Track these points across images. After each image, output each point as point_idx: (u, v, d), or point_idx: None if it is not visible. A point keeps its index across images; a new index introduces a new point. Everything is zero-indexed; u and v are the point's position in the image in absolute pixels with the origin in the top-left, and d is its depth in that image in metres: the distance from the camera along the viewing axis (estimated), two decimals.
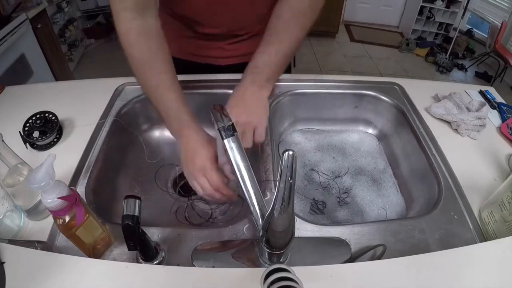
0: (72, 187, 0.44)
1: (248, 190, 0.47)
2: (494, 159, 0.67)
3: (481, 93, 0.87)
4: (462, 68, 3.33)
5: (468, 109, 0.77)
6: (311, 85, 0.85)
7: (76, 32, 2.91)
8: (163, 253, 0.48)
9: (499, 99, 0.86)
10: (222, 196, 0.57)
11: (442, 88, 0.85)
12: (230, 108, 0.62)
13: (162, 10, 0.83)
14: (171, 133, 0.63)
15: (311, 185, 0.76)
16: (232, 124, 0.49)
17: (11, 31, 1.71)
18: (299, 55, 3.15)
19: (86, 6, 3.07)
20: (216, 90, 0.82)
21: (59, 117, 0.68)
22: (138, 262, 0.47)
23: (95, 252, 0.48)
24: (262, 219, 0.45)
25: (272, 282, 0.36)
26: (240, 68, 0.86)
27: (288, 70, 0.89)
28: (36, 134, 0.65)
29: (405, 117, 0.79)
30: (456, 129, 0.73)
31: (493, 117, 0.78)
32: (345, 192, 0.75)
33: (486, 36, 3.19)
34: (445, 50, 3.51)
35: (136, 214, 0.39)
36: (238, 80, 0.83)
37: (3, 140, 0.46)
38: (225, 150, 0.49)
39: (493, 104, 0.82)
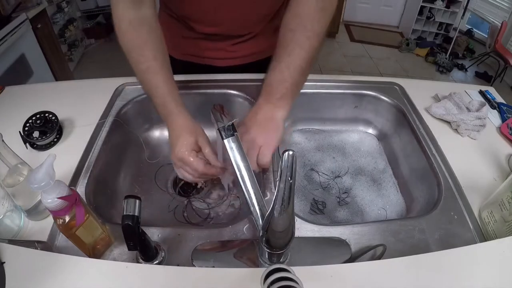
0: (72, 187, 0.44)
1: (248, 190, 0.47)
2: (494, 159, 0.67)
3: (481, 93, 0.87)
4: (462, 68, 3.33)
5: (468, 109, 0.77)
6: (311, 85, 0.85)
7: (76, 32, 2.90)
8: (163, 253, 0.48)
9: (499, 99, 0.86)
10: (207, 177, 0.57)
11: (442, 88, 0.85)
12: (239, 126, 0.57)
13: (162, 11, 0.83)
14: (162, 119, 0.62)
15: (311, 185, 0.76)
16: (232, 124, 0.49)
17: (11, 31, 1.71)
18: None
19: (86, 6, 3.07)
20: (216, 90, 0.82)
21: (59, 117, 0.68)
22: (138, 262, 0.47)
23: (95, 252, 0.48)
24: (262, 219, 0.45)
25: (272, 282, 0.36)
26: (241, 69, 0.86)
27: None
28: (36, 134, 0.65)
29: (405, 117, 0.79)
30: (456, 129, 0.73)
31: (493, 117, 0.78)
32: (345, 192, 0.75)
33: (486, 36, 3.19)
34: (445, 50, 3.51)
35: (136, 214, 0.39)
36: (237, 80, 0.84)
37: (3, 140, 0.46)
38: (225, 150, 0.49)
39: (493, 104, 0.82)
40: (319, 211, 0.71)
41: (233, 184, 0.69)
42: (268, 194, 0.60)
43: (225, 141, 0.48)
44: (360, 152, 0.84)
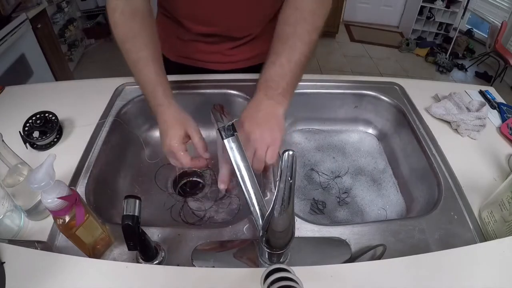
0: (72, 187, 0.44)
1: (248, 190, 0.47)
2: (494, 159, 0.67)
3: (481, 93, 0.87)
4: (462, 68, 3.33)
5: (468, 109, 0.77)
6: (311, 85, 0.85)
7: (76, 32, 2.90)
8: (163, 253, 0.48)
9: (499, 99, 0.86)
10: (199, 167, 0.57)
11: (442, 88, 0.85)
12: (242, 121, 0.56)
13: (158, 12, 0.83)
14: (151, 111, 0.61)
15: (311, 185, 0.76)
16: (232, 124, 0.49)
17: (11, 31, 1.71)
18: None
19: (86, 6, 3.07)
20: (216, 90, 0.82)
21: (59, 117, 0.68)
22: (138, 262, 0.47)
23: (95, 252, 0.48)
24: (262, 219, 0.45)
25: (272, 282, 0.36)
26: (239, 72, 0.85)
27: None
28: (36, 134, 0.65)
29: (405, 117, 0.79)
30: (456, 129, 0.73)
31: (493, 117, 0.78)
32: (345, 192, 0.75)
33: (486, 36, 3.19)
34: (445, 50, 3.51)
35: (136, 214, 0.39)
36: (237, 80, 0.84)
37: (3, 140, 0.46)
38: (225, 150, 0.49)
39: (493, 104, 0.82)
40: (319, 211, 0.71)
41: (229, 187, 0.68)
42: (268, 194, 0.60)
43: (225, 141, 0.48)
44: (360, 152, 0.84)
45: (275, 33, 0.60)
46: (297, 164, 0.46)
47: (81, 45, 3.04)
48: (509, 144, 0.72)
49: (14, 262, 0.40)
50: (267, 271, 0.37)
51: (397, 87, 0.86)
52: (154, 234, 0.51)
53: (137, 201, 0.39)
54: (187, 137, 0.56)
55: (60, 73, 2.27)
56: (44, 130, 0.65)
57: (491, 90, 0.88)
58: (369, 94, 0.85)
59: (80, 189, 0.58)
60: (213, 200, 0.70)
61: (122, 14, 0.59)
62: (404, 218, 0.67)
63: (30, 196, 0.50)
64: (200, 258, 0.48)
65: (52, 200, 0.39)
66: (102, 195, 0.63)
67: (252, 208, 0.46)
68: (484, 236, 0.54)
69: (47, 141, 0.66)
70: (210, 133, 0.61)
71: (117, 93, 0.80)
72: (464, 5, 3.33)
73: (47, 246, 0.48)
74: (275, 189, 0.35)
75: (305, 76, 0.86)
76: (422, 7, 3.62)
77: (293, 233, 0.41)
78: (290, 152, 0.33)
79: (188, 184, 0.75)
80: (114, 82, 0.82)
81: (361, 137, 0.89)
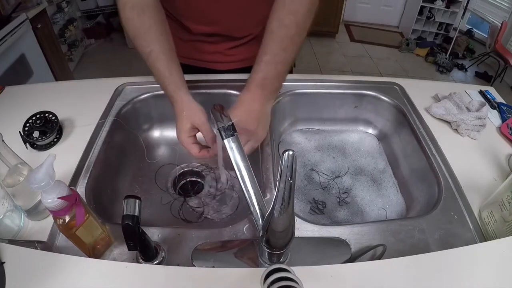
0: (72, 187, 0.44)
1: (248, 190, 0.47)
2: (494, 159, 0.67)
3: (481, 93, 0.87)
4: (462, 68, 3.33)
5: (468, 109, 0.77)
6: (311, 85, 0.85)
7: (76, 32, 2.90)
8: (163, 253, 0.48)
9: (499, 99, 0.86)
10: (208, 156, 0.61)
11: (442, 88, 0.85)
12: (232, 111, 0.59)
13: None
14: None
15: (311, 185, 0.76)
16: (232, 124, 0.49)
17: (11, 31, 1.71)
18: (299, 55, 3.15)
19: (86, 6, 3.07)
20: (216, 90, 0.82)
21: (59, 117, 0.68)
22: (138, 262, 0.47)
23: (95, 252, 0.48)
24: (262, 219, 0.45)
25: (272, 282, 0.36)
26: (239, 72, 0.85)
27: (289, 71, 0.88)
28: (36, 134, 0.65)
29: (405, 117, 0.79)
30: (456, 129, 0.73)
31: (493, 117, 0.78)
32: (345, 192, 0.75)
33: (486, 36, 3.19)
34: (445, 50, 3.51)
35: (136, 214, 0.39)
36: (237, 80, 0.84)
37: (3, 140, 0.46)
38: (225, 150, 0.49)
39: (493, 104, 0.82)
40: (319, 211, 0.71)
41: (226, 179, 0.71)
42: (268, 194, 0.60)
43: (225, 141, 0.48)
44: (360, 152, 0.84)
45: (269, 29, 0.62)
46: (297, 164, 0.46)
47: (81, 45, 3.04)
48: (509, 144, 0.72)
49: (14, 262, 0.40)
50: (267, 271, 0.37)
51: (397, 87, 0.86)
52: (154, 234, 0.51)
53: (137, 201, 0.39)
54: (196, 129, 0.60)
55: (60, 73, 2.27)
56: (44, 130, 0.65)
57: (491, 90, 0.88)
58: (369, 94, 0.85)
59: (80, 189, 0.58)
60: (212, 198, 0.70)
61: (133, 9, 0.60)
62: (404, 218, 0.67)
63: (30, 196, 0.50)
64: (200, 258, 0.48)
65: (52, 200, 0.39)
66: (102, 195, 0.63)
67: (252, 208, 0.46)
68: (484, 236, 0.54)
69: (47, 141, 0.66)
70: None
71: (117, 93, 0.80)
72: (464, 5, 3.33)
73: (47, 246, 0.48)
74: (275, 189, 0.35)
75: (305, 76, 0.87)
76: (422, 7, 3.62)
77: (293, 233, 0.41)
78: (290, 152, 0.33)
79: (188, 184, 0.75)
80: (114, 82, 0.82)
81: (361, 137, 0.89)
